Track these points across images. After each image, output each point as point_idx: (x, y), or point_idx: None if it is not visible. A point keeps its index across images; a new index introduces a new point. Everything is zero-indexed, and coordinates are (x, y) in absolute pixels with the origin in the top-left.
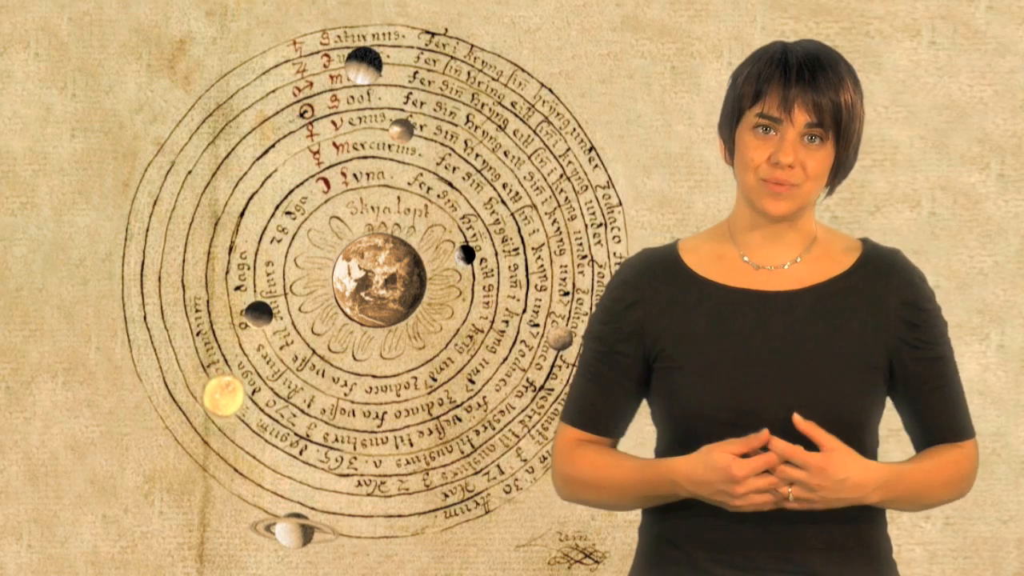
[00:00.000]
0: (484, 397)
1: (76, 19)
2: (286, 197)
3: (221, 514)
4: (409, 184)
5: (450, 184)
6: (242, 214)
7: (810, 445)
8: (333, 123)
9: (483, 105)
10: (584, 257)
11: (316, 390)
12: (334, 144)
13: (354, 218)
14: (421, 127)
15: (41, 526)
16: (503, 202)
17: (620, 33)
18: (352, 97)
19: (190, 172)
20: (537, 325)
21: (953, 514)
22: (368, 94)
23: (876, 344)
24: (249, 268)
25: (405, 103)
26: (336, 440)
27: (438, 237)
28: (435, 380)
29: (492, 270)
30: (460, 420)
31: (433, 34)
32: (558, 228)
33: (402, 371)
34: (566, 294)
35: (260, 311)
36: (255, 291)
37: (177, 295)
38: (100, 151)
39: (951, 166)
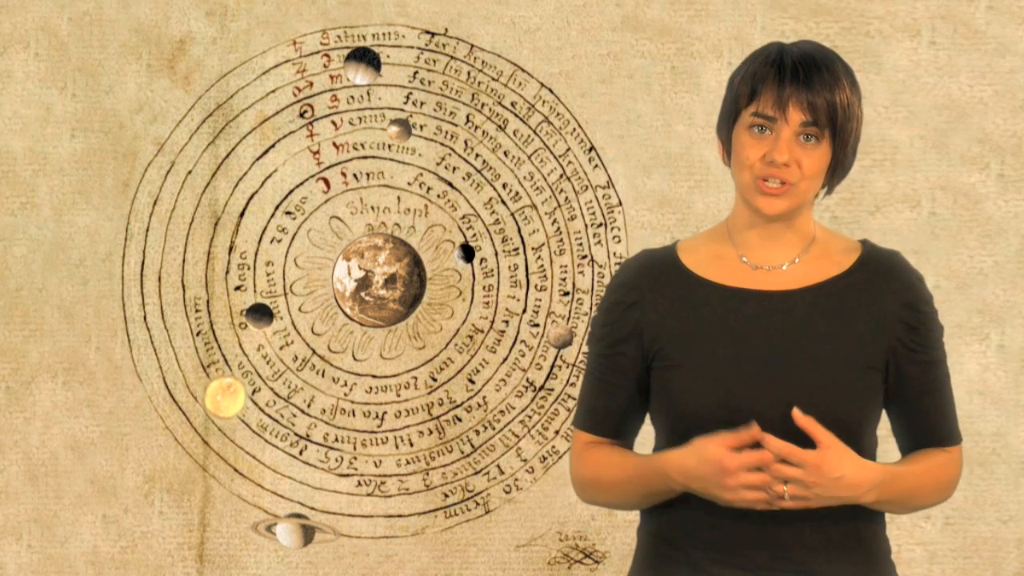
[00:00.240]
0: (484, 397)
1: (76, 19)
2: (286, 197)
3: (221, 514)
4: (409, 184)
5: (450, 184)
6: (242, 214)
7: (806, 444)
8: (333, 123)
9: (483, 105)
10: (584, 257)
11: (316, 390)
12: (334, 144)
13: (354, 218)
14: (421, 127)
15: (41, 526)
16: (503, 202)
17: (620, 33)
18: (352, 97)
19: (190, 172)
20: (537, 325)
21: (953, 514)
22: (368, 94)
23: (874, 345)
24: (249, 268)
25: (405, 103)
26: (336, 440)
27: (438, 237)
28: (435, 380)
29: (492, 270)
30: (460, 420)
31: (433, 34)
32: (558, 228)
33: (402, 371)
34: (566, 294)
35: (261, 313)
36: (255, 291)
37: (177, 295)
38: (100, 151)
39: (951, 166)
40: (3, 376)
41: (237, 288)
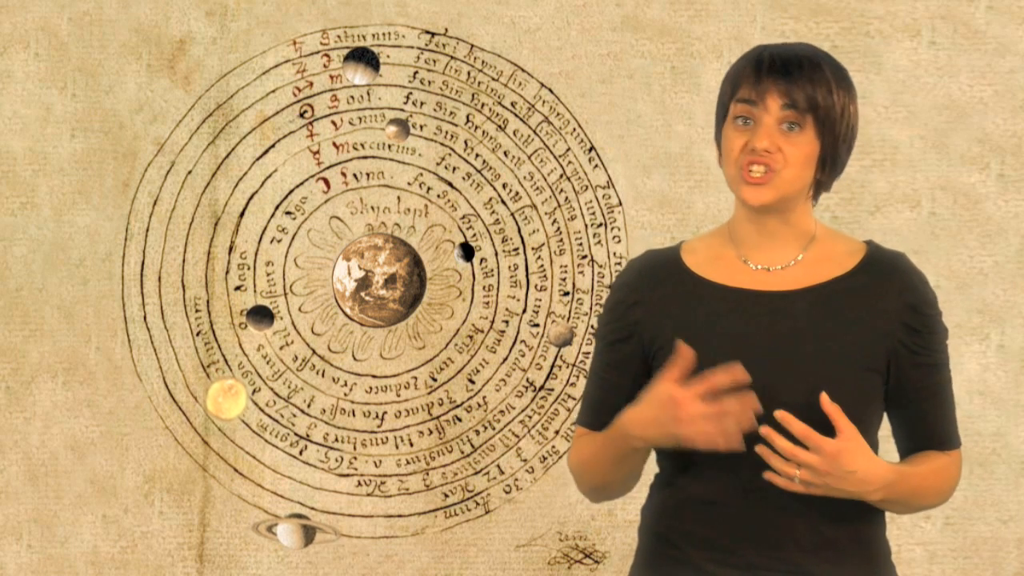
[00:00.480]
0: (484, 397)
1: (76, 19)
2: (286, 197)
3: (221, 514)
4: (409, 184)
5: (450, 184)
6: (242, 214)
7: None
8: (333, 123)
9: (483, 105)
10: (584, 257)
11: (316, 390)
12: (334, 144)
13: (354, 218)
14: (421, 127)
15: (41, 526)
16: (503, 202)
17: (620, 33)
18: (352, 97)
19: (190, 172)
20: (537, 325)
21: (953, 514)
22: (368, 94)
23: (875, 347)
24: (249, 268)
25: (405, 103)
26: (336, 440)
27: (438, 237)
28: (435, 380)
29: (492, 270)
30: (460, 420)
31: (433, 34)
32: (558, 228)
33: (402, 371)
34: (566, 294)
35: (262, 315)
36: (255, 291)
37: (177, 295)
38: (100, 151)
39: (951, 166)
40: (3, 376)
41: (237, 288)
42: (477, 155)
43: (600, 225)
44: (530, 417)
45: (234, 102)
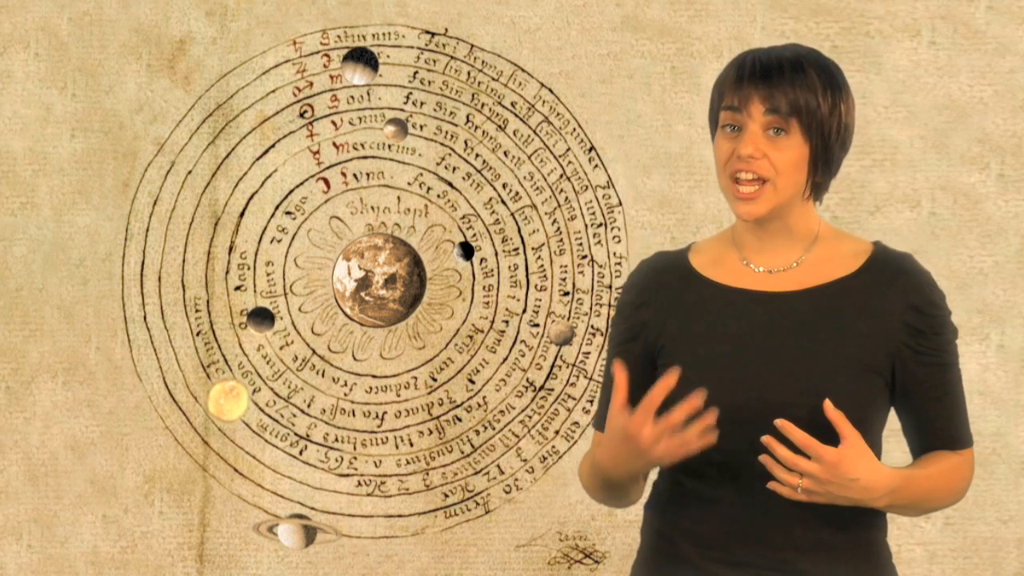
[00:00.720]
0: (484, 397)
1: (76, 19)
2: (286, 197)
3: (221, 514)
4: (409, 184)
5: (450, 184)
6: (242, 214)
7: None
8: (333, 123)
9: (483, 105)
10: (584, 257)
11: (316, 390)
12: (334, 144)
13: (354, 218)
14: (421, 127)
15: (41, 526)
16: (503, 202)
17: (620, 33)
18: (352, 97)
19: (190, 172)
20: (537, 325)
21: (953, 514)
22: (368, 94)
23: (877, 348)
24: (249, 268)
25: (405, 103)
26: (336, 440)
27: (438, 237)
28: (435, 380)
29: (492, 270)
30: (460, 420)
31: (433, 34)
32: (558, 228)
33: (402, 371)
34: (566, 294)
35: (262, 316)
36: (255, 291)
37: (177, 295)
38: (100, 151)
39: (951, 166)
40: (3, 376)
41: (237, 288)
42: (477, 155)
43: (600, 225)
44: (530, 417)
45: (234, 102)
